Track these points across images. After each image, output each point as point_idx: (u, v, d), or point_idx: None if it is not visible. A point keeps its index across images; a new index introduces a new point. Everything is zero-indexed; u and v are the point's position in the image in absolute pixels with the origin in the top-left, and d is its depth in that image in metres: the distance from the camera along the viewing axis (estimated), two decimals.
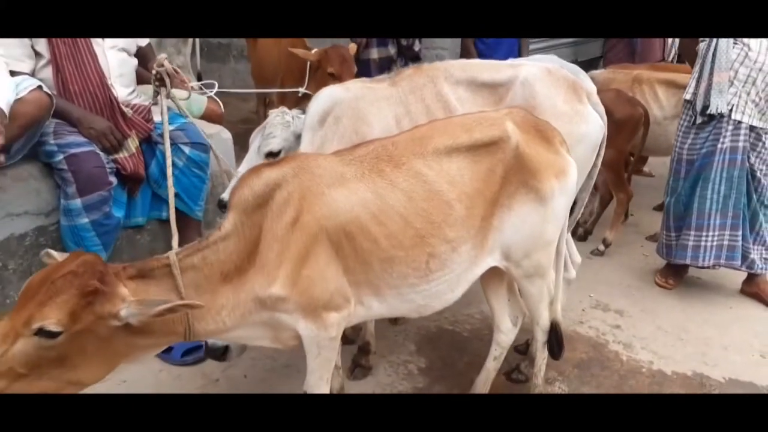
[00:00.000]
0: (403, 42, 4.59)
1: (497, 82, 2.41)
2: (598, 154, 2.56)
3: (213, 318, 1.72)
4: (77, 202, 2.53)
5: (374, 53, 4.54)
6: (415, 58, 4.72)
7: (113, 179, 2.64)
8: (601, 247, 4.00)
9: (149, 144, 2.87)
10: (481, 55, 4.65)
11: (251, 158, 2.65)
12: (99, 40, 2.70)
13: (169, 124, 2.87)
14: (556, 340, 2.30)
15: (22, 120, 2.36)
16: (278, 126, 2.64)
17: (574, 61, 6.07)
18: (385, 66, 4.62)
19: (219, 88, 5.60)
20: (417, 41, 4.66)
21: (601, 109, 2.47)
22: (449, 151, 1.87)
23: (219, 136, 3.30)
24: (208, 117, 3.53)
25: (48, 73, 2.62)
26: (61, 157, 2.54)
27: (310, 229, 1.73)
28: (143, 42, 3.26)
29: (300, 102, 3.92)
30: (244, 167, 2.66)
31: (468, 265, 1.95)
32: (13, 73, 2.48)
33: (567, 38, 6.13)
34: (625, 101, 3.82)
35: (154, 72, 2.67)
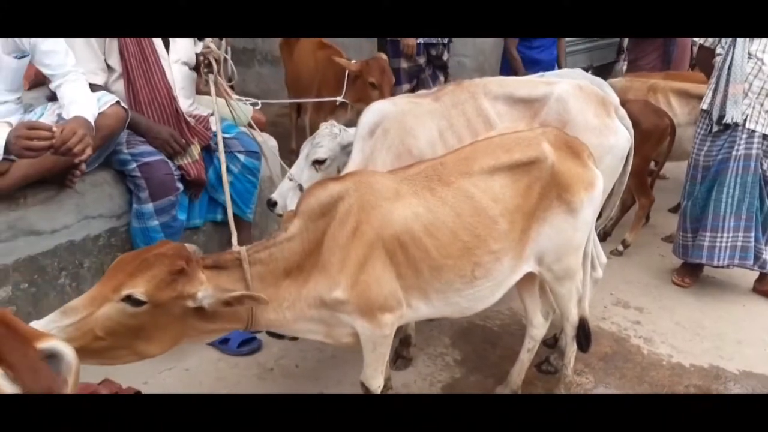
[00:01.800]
0: (432, 52, 4.83)
1: (533, 98, 2.64)
2: (626, 163, 2.79)
3: (275, 309, 1.94)
4: (149, 206, 2.78)
5: (404, 62, 4.78)
6: (443, 68, 4.96)
7: (180, 185, 2.88)
8: (621, 248, 4.22)
9: (207, 151, 3.12)
10: (530, 59, 4.87)
11: (300, 164, 2.91)
12: (164, 54, 2.95)
13: (225, 133, 3.12)
14: (584, 334, 2.53)
15: (104, 132, 2.61)
16: (326, 137, 2.89)
17: (590, 66, 6.35)
18: (414, 74, 4.87)
19: (243, 90, 5.89)
20: (446, 51, 4.90)
21: (628, 122, 2.69)
22: (492, 171, 2.10)
23: (266, 144, 3.54)
24: (252, 125, 3.77)
25: (120, 85, 2.87)
26: (134, 165, 2.78)
27: (368, 238, 1.95)
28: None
29: (335, 110, 4.16)
30: (294, 171, 2.92)
31: (509, 273, 2.19)
32: (89, 87, 2.73)
33: (582, 42, 6.32)
34: (652, 112, 4.03)
35: (201, 58, 2.89)
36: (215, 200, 3.22)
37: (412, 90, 4.89)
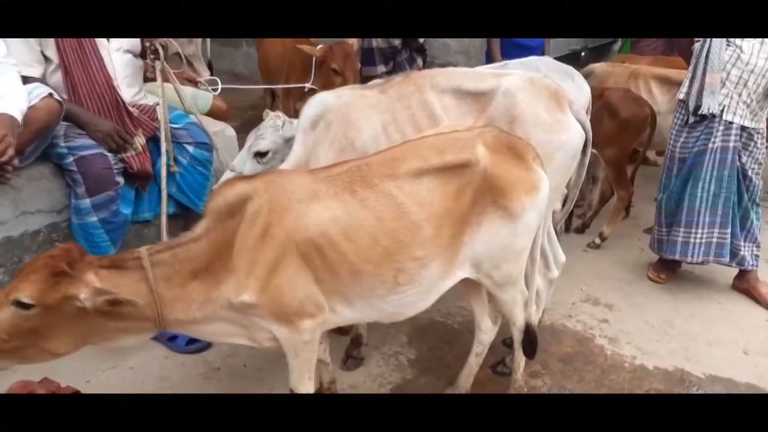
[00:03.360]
0: None
1: (480, 92, 2.50)
2: (583, 157, 2.64)
3: (183, 310, 1.89)
4: (86, 202, 2.70)
5: (378, 42, 4.62)
6: (420, 50, 4.79)
7: (120, 179, 2.79)
8: (597, 241, 4.09)
9: (156, 142, 3.01)
10: (515, 43, 4.63)
11: (243, 155, 2.81)
12: (104, 42, 2.84)
13: (174, 123, 3.03)
14: (528, 341, 2.42)
15: (35, 126, 2.52)
16: (269, 128, 2.78)
17: (584, 48, 6.13)
18: (389, 56, 4.70)
19: (232, 70, 5.73)
20: None
21: (583, 116, 2.55)
22: (420, 173, 1.98)
23: (223, 134, 3.43)
24: (214, 113, 3.66)
25: (58, 77, 2.77)
26: (71, 159, 2.69)
27: (279, 240, 1.86)
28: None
29: (305, 97, 4.02)
30: (237, 162, 2.82)
31: (437, 279, 2.07)
32: (25, 79, 2.63)
33: None
34: (632, 101, 3.86)
35: (147, 44, 2.81)
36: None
37: (389, 73, 4.74)
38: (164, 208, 2.41)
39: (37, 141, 2.65)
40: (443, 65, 5.36)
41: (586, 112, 3.06)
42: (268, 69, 4.58)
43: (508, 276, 2.22)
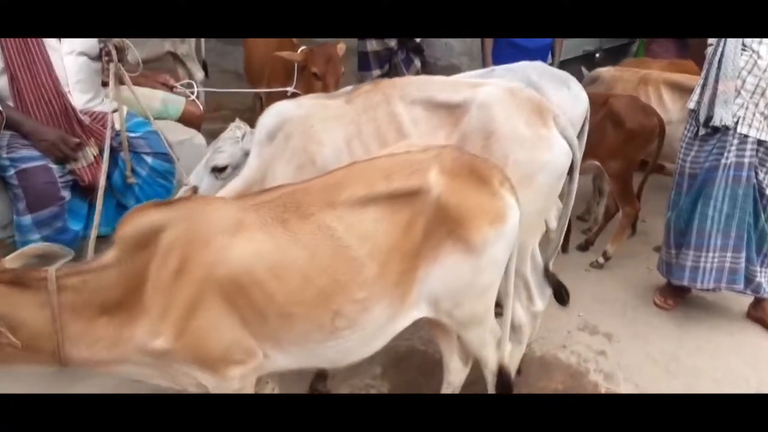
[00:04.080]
0: None
1: (454, 103, 2.23)
2: (571, 179, 2.36)
3: (88, 348, 1.66)
4: (28, 219, 2.50)
5: (373, 44, 4.37)
6: (417, 50, 4.52)
7: (66, 194, 2.59)
8: (601, 260, 3.77)
9: (111, 152, 2.80)
10: (514, 44, 4.31)
11: (199, 171, 2.59)
12: (55, 44, 2.63)
13: (131, 131, 2.81)
14: (502, 385, 2.14)
15: None
16: (228, 141, 2.55)
17: (598, 49, 5.77)
18: (384, 58, 4.45)
19: (237, 70, 5.49)
20: None
21: (570, 133, 2.25)
22: (364, 202, 1.73)
23: (191, 142, 3.21)
24: (187, 119, 3.44)
25: (4, 82, 2.57)
26: (12, 171, 2.50)
27: (196, 278, 1.62)
28: None
29: None
30: (193, 177, 2.60)
31: (384, 322, 1.81)
32: None
33: None
34: (639, 109, 3.53)
35: (101, 46, 2.60)
36: (124, 206, 2.92)
37: (384, 76, 4.48)
38: (97, 223, 2.20)
39: None
40: (446, 67, 5.09)
41: (584, 123, 2.78)
42: (251, 71, 4.35)
43: (472, 315, 1.95)
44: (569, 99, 2.75)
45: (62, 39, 2.64)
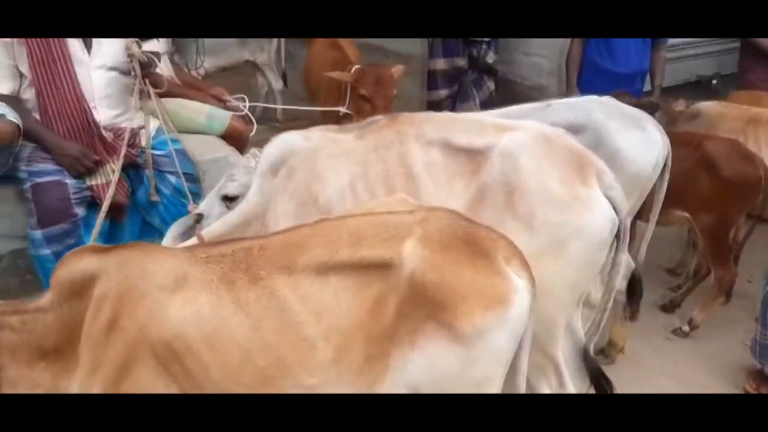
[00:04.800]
0: (473, 52, 4.03)
1: (475, 149, 1.88)
2: (617, 249, 1.92)
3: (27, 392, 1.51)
4: (38, 233, 2.45)
5: (440, 63, 4.05)
6: (490, 71, 4.14)
7: (79, 210, 2.53)
8: (686, 328, 3.21)
9: (137, 169, 2.72)
10: (602, 70, 3.85)
11: (211, 198, 2.41)
12: (84, 58, 2.56)
13: (156, 149, 2.71)
14: None
15: None
16: (242, 169, 2.35)
17: (715, 75, 5.04)
18: (453, 78, 4.12)
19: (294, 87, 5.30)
20: (491, 51, 4.08)
21: (617, 193, 1.82)
22: (325, 270, 1.43)
23: (226, 160, 3.04)
24: (230, 135, 3.31)
25: (31, 94, 2.54)
26: (28, 185, 2.47)
27: (128, 335, 1.42)
28: None
29: (341, 122, 3.58)
30: (204, 205, 2.43)
31: None
32: None
33: (696, 44, 5.03)
34: (740, 156, 2.94)
35: (127, 60, 2.53)
36: (150, 224, 2.83)
37: (452, 97, 4.15)
38: (93, 238, 2.10)
39: None
40: (533, 87, 4.64)
41: (664, 169, 2.34)
42: (309, 88, 4.19)
43: None
44: (641, 142, 2.34)
45: (92, 52, 2.57)
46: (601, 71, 3.69)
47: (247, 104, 3.47)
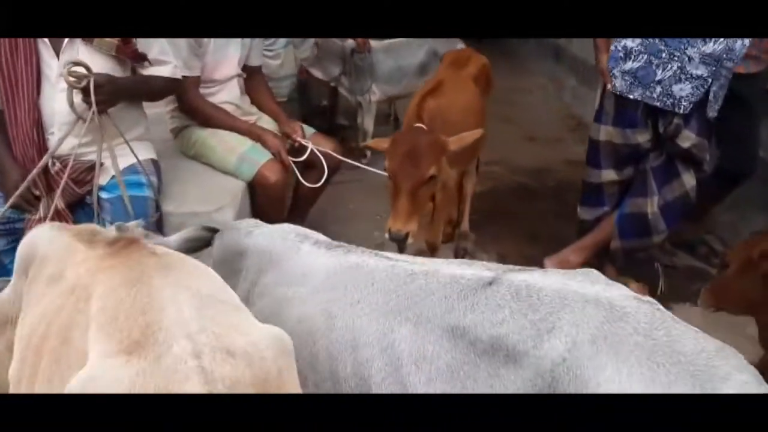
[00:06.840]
0: (659, 125, 2.59)
1: None
2: None
3: None
4: None
5: (610, 130, 2.73)
6: (688, 158, 2.64)
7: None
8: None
9: (84, 208, 2.35)
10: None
11: None
12: (53, 78, 2.27)
13: (104, 191, 2.31)
14: None
15: None
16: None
17: None
18: (625, 156, 2.78)
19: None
20: (687, 130, 2.55)
21: None
22: None
23: (208, 216, 2.46)
24: (258, 184, 2.71)
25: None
26: None
27: None
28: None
29: None
30: None
31: None
32: None
33: None
34: None
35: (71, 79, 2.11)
36: None
37: (622, 183, 2.83)
38: None
39: None
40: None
41: None
42: None
43: None
44: None
45: (60, 75, 2.24)
46: None
47: (307, 152, 2.85)
